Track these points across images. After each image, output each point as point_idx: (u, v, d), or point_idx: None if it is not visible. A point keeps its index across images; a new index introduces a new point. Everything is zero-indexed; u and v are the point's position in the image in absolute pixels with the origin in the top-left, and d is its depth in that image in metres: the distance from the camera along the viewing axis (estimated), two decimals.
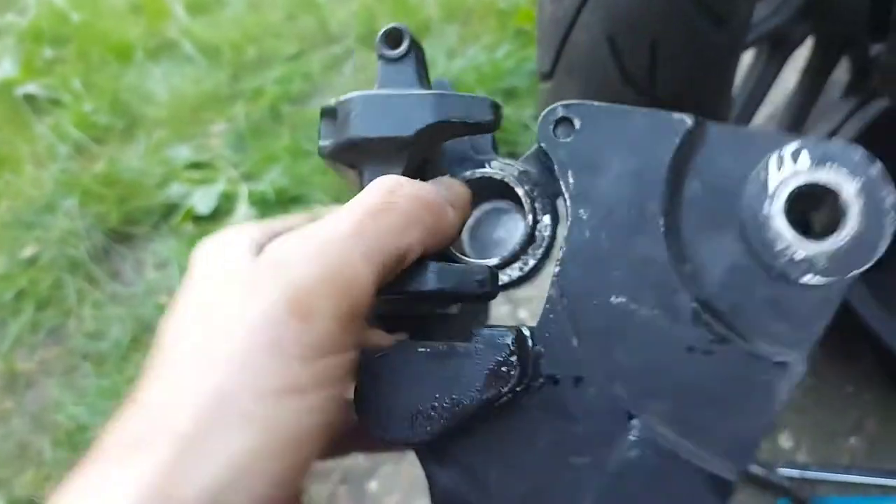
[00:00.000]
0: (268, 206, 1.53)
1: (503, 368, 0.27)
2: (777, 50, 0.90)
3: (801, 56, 0.98)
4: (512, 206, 0.34)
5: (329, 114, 0.32)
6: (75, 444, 1.19)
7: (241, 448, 0.23)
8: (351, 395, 0.29)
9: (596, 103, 0.30)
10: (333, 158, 0.32)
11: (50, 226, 1.56)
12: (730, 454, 0.27)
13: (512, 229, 0.34)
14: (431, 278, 0.28)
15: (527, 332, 0.29)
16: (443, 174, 0.33)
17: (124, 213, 1.58)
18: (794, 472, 0.94)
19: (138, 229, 1.57)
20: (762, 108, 1.02)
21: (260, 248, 0.28)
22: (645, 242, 0.29)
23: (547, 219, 0.33)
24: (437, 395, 0.27)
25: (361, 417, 0.28)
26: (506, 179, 0.33)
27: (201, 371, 0.24)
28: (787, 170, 0.28)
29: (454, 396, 0.27)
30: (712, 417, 0.28)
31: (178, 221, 1.55)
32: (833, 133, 1.08)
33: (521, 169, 0.33)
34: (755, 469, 0.95)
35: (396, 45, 0.31)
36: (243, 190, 1.58)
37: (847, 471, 0.95)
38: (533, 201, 0.33)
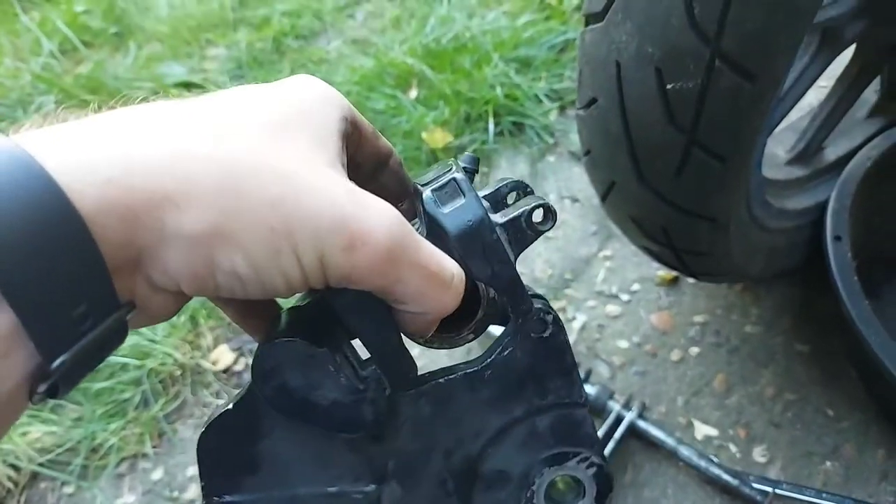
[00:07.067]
0: None
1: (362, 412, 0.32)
2: (826, 45, 0.85)
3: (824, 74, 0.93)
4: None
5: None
6: None
7: None
8: None
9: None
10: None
11: (20, 121, 1.46)
12: None
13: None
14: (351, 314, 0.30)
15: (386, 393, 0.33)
16: None
17: None
18: (767, 487, 0.91)
19: None
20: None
21: (342, 135, 0.30)
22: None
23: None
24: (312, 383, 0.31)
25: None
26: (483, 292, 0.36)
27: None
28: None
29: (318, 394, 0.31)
30: None
31: None
32: (854, 151, 1.05)
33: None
34: (727, 479, 0.91)
35: (545, 223, 0.34)
36: None
37: (819, 494, 0.92)
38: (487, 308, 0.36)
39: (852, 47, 0.94)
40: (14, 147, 0.21)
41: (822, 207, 0.97)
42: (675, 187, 0.72)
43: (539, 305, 0.34)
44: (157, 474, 1.09)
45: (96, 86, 1.54)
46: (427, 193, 0.32)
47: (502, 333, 0.35)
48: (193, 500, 1.06)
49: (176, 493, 1.06)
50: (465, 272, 0.31)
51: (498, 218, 0.33)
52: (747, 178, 0.76)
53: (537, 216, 0.34)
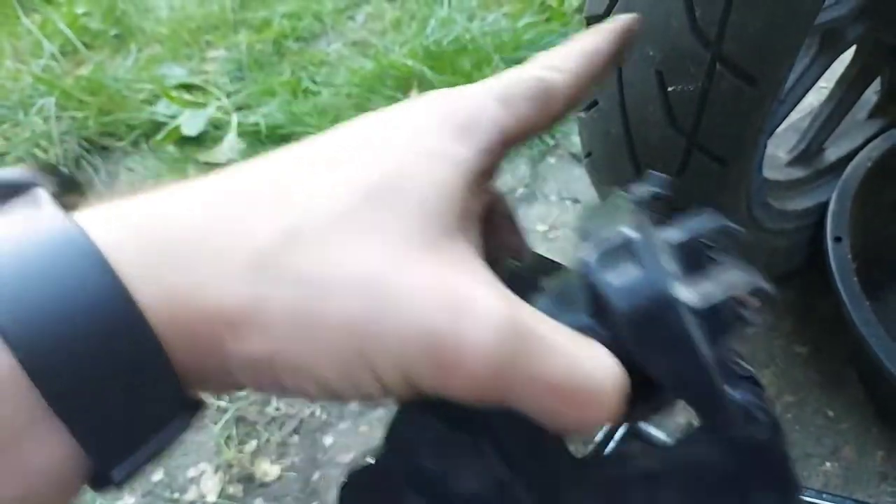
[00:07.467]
0: (258, 139, 1.46)
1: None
2: (826, 47, 0.85)
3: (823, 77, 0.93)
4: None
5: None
6: None
7: None
8: None
9: None
10: None
11: (21, 123, 1.46)
12: None
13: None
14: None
15: None
16: None
17: (104, 123, 1.48)
18: None
19: (117, 142, 1.48)
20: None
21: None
22: None
23: None
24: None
25: None
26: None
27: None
28: None
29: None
30: None
31: (160, 139, 1.46)
32: (854, 152, 1.05)
33: None
34: None
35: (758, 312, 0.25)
36: (234, 120, 1.50)
37: (819, 494, 0.92)
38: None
39: (853, 48, 0.95)
40: (79, 235, 0.19)
41: (822, 209, 0.97)
42: (676, 189, 0.73)
43: (746, 398, 0.25)
44: (158, 475, 1.09)
45: (97, 87, 1.55)
46: (589, 255, 0.24)
47: (696, 426, 0.26)
48: (193, 501, 1.06)
49: (176, 495, 1.06)
50: (635, 362, 0.24)
51: (691, 297, 0.23)
52: (748, 180, 0.77)
53: (747, 301, 0.24)
